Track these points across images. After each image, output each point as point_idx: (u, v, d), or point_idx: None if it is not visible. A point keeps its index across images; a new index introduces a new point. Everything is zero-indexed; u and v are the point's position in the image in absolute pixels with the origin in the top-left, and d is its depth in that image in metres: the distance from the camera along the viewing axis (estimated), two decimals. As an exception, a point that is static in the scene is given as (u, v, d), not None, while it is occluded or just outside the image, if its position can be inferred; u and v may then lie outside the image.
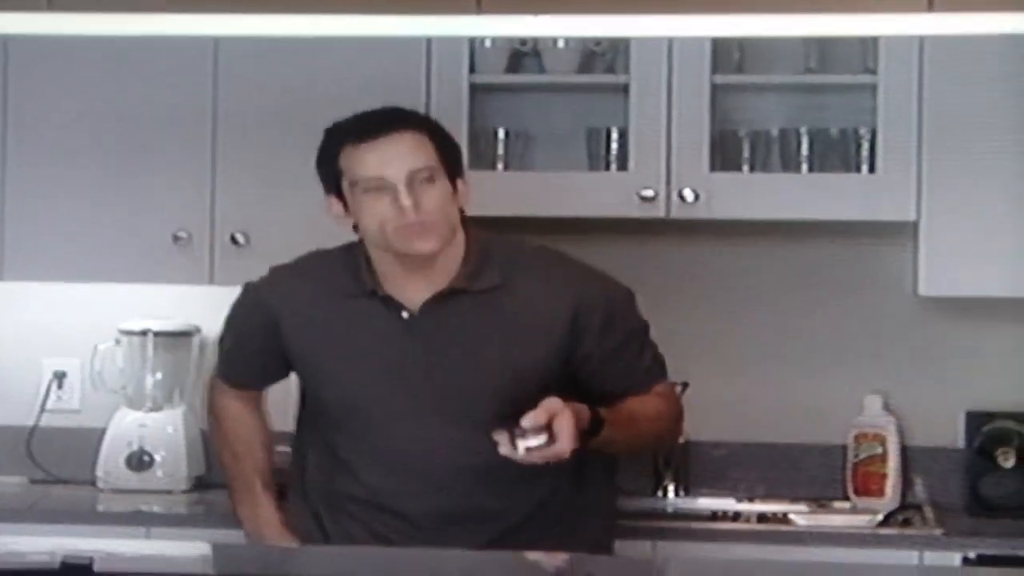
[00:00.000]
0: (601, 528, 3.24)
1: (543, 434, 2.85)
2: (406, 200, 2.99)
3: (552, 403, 2.87)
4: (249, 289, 3.29)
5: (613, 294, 3.17)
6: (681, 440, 3.96)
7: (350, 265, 3.15)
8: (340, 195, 3.10)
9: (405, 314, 3.09)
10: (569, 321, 3.08)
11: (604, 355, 3.11)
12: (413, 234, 3.01)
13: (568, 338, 3.08)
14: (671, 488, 4.04)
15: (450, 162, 3.08)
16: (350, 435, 3.14)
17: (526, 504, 3.10)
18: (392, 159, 3.02)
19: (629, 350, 3.15)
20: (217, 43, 3.93)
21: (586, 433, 2.92)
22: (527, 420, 2.84)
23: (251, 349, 3.29)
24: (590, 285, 3.15)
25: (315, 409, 3.20)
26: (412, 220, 3.00)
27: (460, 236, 3.10)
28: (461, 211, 3.12)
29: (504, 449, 2.86)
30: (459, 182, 3.10)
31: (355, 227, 3.13)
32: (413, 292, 3.09)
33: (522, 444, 2.86)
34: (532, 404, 2.88)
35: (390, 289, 3.10)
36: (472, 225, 3.16)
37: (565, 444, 2.86)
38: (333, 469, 3.17)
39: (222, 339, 3.37)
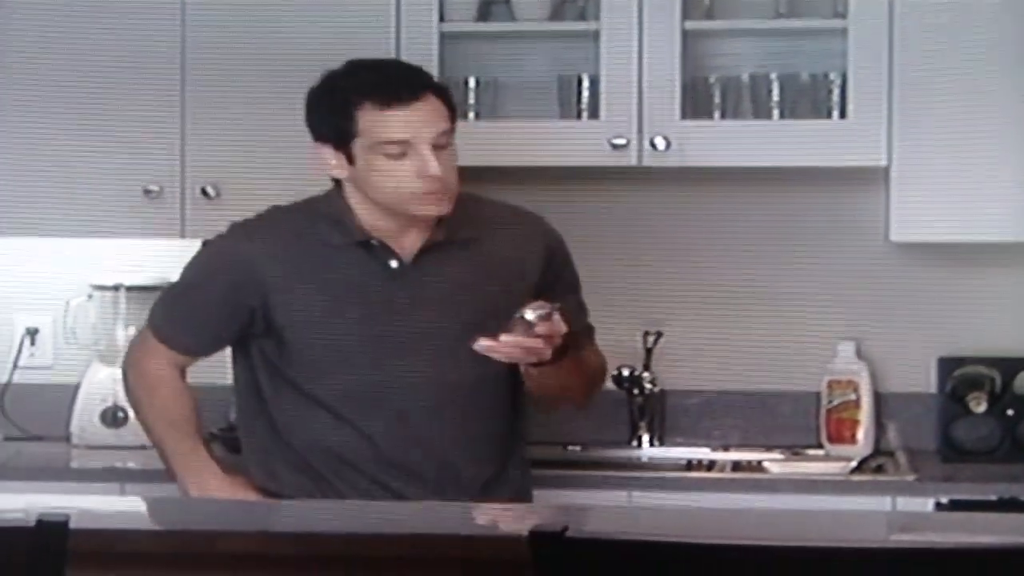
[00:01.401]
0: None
1: (549, 309, 2.95)
2: (434, 166, 3.01)
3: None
4: (221, 247, 3.23)
5: (563, 238, 3.28)
6: (656, 388, 3.98)
7: (327, 218, 3.14)
8: (342, 149, 3.07)
9: (394, 263, 3.11)
10: (543, 260, 3.19)
11: (554, 288, 3.16)
12: (434, 198, 3.05)
13: (541, 277, 3.17)
14: (646, 438, 4.04)
15: (454, 123, 3.11)
16: (344, 386, 3.12)
17: (494, 438, 3.19)
18: (419, 124, 3.02)
19: (577, 295, 3.25)
20: (185, -5, 3.91)
21: (560, 350, 3.00)
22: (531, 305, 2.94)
23: (213, 315, 3.22)
24: (552, 230, 3.27)
25: (299, 364, 3.15)
26: (436, 186, 3.02)
27: None
28: None
29: (483, 343, 2.91)
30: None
31: (335, 180, 3.13)
32: (402, 242, 3.11)
33: (530, 312, 2.92)
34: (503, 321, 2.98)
35: (381, 238, 3.11)
36: None
37: (562, 325, 2.95)
38: (325, 425, 3.14)
39: (168, 301, 3.29)
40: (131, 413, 4.03)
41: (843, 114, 3.90)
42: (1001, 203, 3.83)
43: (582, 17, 4.00)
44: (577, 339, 3.11)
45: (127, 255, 4.17)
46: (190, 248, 4.13)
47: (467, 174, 3.98)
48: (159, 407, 3.30)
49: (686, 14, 3.89)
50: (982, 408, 3.94)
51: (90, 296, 4.14)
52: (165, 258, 4.17)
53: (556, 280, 3.21)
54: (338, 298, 3.11)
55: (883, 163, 3.85)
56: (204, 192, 3.95)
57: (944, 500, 3.61)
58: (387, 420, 3.12)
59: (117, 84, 3.95)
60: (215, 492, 3.22)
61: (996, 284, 4.09)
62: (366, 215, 3.12)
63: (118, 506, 3.13)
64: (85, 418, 4.08)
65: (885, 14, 3.82)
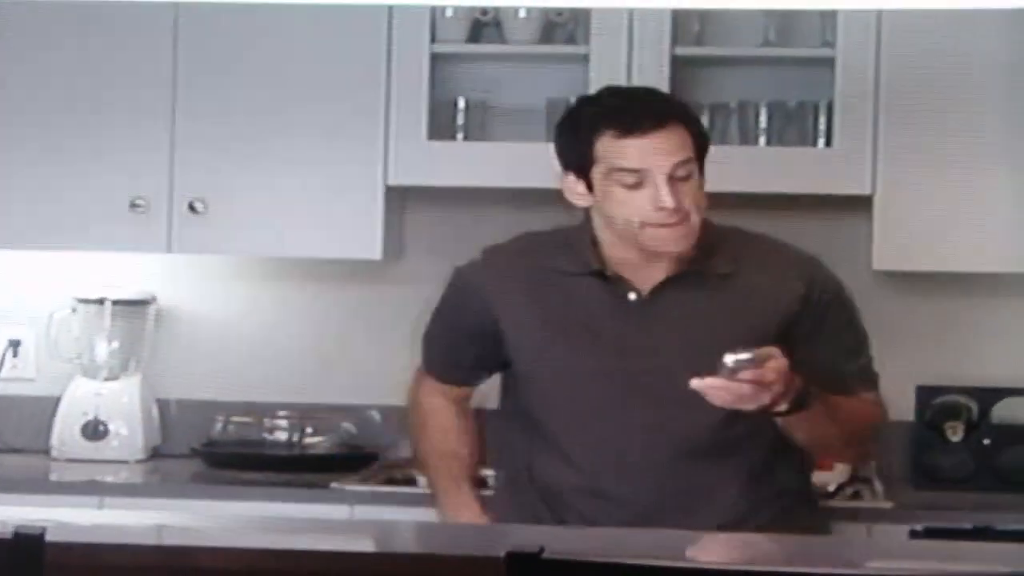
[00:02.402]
0: (807, 510, 3.19)
1: (751, 355, 2.79)
2: (667, 197, 2.92)
3: (771, 348, 2.82)
4: (460, 273, 3.19)
5: (841, 284, 3.14)
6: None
7: (568, 245, 3.08)
8: (583, 176, 3.00)
9: (632, 295, 3.02)
10: (800, 299, 3.04)
11: (822, 331, 3.04)
12: (666, 232, 2.95)
13: (795, 317, 3.02)
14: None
15: (702, 154, 3.02)
16: (564, 421, 3.04)
17: (733, 486, 3.03)
18: (657, 154, 2.94)
19: (844, 339, 3.09)
20: (177, 10, 3.89)
21: (795, 400, 2.86)
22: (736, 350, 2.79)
23: (458, 341, 3.18)
24: (822, 268, 3.12)
25: (527, 392, 3.09)
26: (669, 219, 2.94)
27: None
28: None
29: (696, 382, 2.76)
30: (703, 172, 3.03)
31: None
32: (644, 275, 3.02)
33: (730, 357, 2.77)
34: None
35: (619, 270, 3.02)
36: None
37: (771, 374, 2.78)
38: (545, 459, 3.06)
39: (428, 327, 3.24)
40: (112, 427, 4.06)
41: (829, 142, 3.91)
42: (984, 234, 3.84)
43: (572, 41, 4.00)
44: (825, 397, 2.95)
45: (112, 269, 4.16)
46: (176, 263, 4.15)
47: (456, 194, 4.01)
48: (429, 436, 3.26)
49: (676, 40, 3.89)
50: (958, 437, 3.95)
51: (74, 309, 4.12)
52: (151, 272, 4.19)
53: (817, 327, 3.05)
54: (564, 328, 3.03)
55: (868, 192, 3.86)
56: (191, 207, 3.94)
57: (919, 528, 3.60)
58: (606, 460, 3.01)
59: (105, 97, 3.95)
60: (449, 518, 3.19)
61: (977, 314, 4.09)
62: (609, 245, 3.03)
63: (96, 520, 3.12)
64: (66, 431, 4.06)
65: (872, 44, 3.82)
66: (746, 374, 2.77)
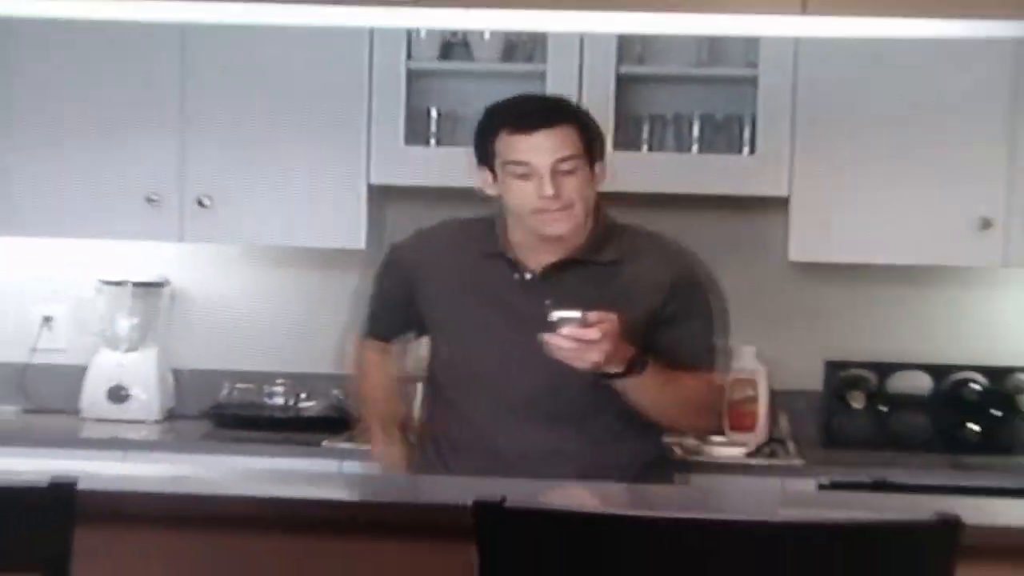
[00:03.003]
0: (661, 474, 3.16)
1: (577, 314, 2.76)
2: (548, 188, 2.93)
3: (604, 313, 2.79)
4: (391, 248, 3.23)
5: (708, 276, 3.10)
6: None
7: (481, 229, 3.09)
8: (491, 169, 3.02)
9: (528, 275, 3.03)
10: (668, 287, 3.01)
11: (675, 316, 3.02)
12: (550, 218, 2.96)
13: (663, 302, 3.01)
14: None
15: (593, 150, 3.01)
16: (461, 378, 3.06)
17: (587, 448, 3.02)
18: (540, 150, 2.95)
19: (695, 323, 3.04)
20: (184, 29, 3.88)
21: (629, 364, 2.85)
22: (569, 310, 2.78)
23: (388, 303, 3.20)
24: (692, 261, 3.09)
25: (436, 357, 3.12)
26: (551, 206, 2.95)
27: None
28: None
29: (542, 335, 2.77)
30: (598, 166, 3.02)
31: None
32: (537, 257, 3.03)
33: (556, 313, 2.75)
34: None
35: (518, 252, 3.04)
36: (603, 204, 3.07)
37: (592, 332, 2.76)
38: (446, 411, 3.09)
39: (369, 298, 3.25)
40: (133, 391, 4.06)
41: (752, 150, 3.92)
42: (883, 231, 3.85)
43: (530, 59, 4.00)
44: (662, 369, 2.92)
45: (131, 255, 4.15)
46: (186, 250, 4.15)
47: (430, 193, 4.02)
48: (367, 383, 3.28)
49: (620, 60, 3.90)
50: (860, 404, 3.98)
51: (99, 290, 4.12)
52: (164, 258, 4.18)
53: (679, 310, 3.01)
54: (470, 301, 3.05)
55: (785, 193, 3.87)
56: (199, 202, 3.94)
57: (826, 481, 3.63)
58: (494, 420, 3.02)
59: (123, 107, 3.94)
60: (375, 456, 3.21)
61: (876, 299, 4.11)
62: (510, 230, 3.05)
63: (120, 471, 3.12)
64: (93, 395, 4.06)
65: (790, 65, 3.84)
66: (567, 330, 2.77)
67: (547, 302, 2.82)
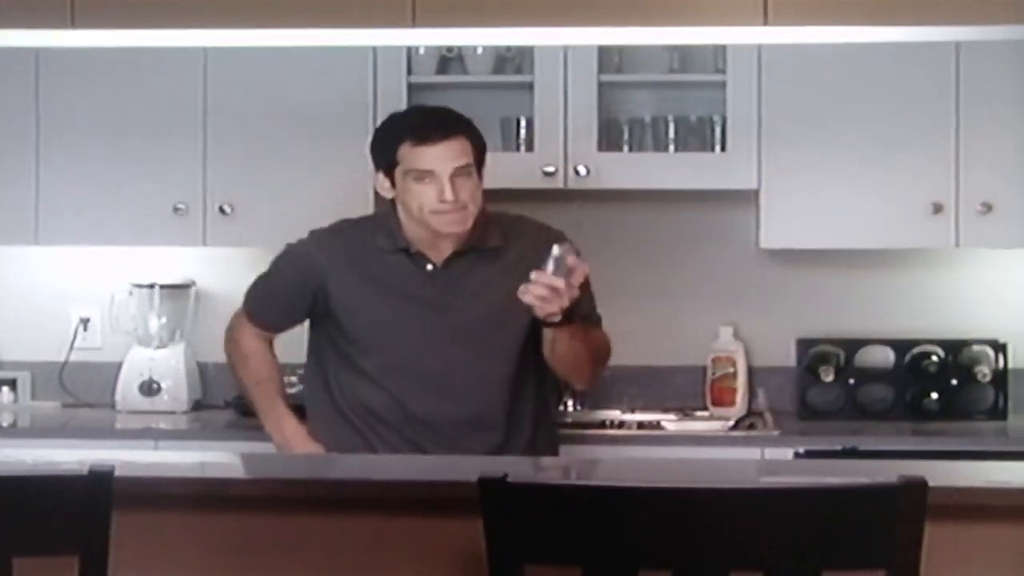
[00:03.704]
0: (550, 438, 3.25)
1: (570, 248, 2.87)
2: (448, 192, 2.99)
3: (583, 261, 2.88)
4: (296, 248, 3.22)
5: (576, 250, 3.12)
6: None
7: (380, 228, 3.14)
8: (389, 175, 3.07)
9: (430, 266, 3.10)
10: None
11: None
12: (448, 219, 3.02)
13: None
14: (571, 403, 4.03)
15: (481, 158, 3.09)
16: (384, 361, 3.10)
17: (494, 415, 3.10)
18: (441, 159, 3.00)
19: (584, 292, 3.08)
20: (206, 53, 3.87)
21: (566, 314, 2.89)
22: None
23: (286, 299, 3.22)
24: (559, 234, 3.12)
25: (347, 340, 3.13)
26: (449, 208, 3.01)
27: None
28: None
29: (523, 287, 2.83)
30: (483, 171, 3.10)
31: (391, 200, 3.12)
32: (436, 251, 3.09)
33: (556, 249, 2.83)
34: (520, 331, 3.03)
35: (419, 247, 3.10)
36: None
37: (586, 269, 2.87)
38: (368, 390, 3.12)
39: (256, 287, 3.27)
40: (163, 385, 4.04)
41: (723, 148, 3.90)
42: (847, 218, 3.85)
43: (519, 71, 3.98)
44: (586, 316, 3.05)
45: (160, 260, 4.13)
46: (210, 254, 4.13)
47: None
48: (250, 370, 3.29)
49: (601, 69, 3.88)
50: (830, 378, 3.96)
51: (130, 292, 4.10)
52: (190, 262, 4.17)
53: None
54: (382, 292, 3.10)
55: (755, 186, 3.86)
56: (222, 209, 3.92)
57: (801, 450, 3.63)
58: (416, 388, 3.09)
59: (152, 123, 3.92)
60: (289, 436, 3.21)
61: (842, 281, 4.10)
62: (408, 228, 3.10)
63: (152, 459, 3.11)
64: (126, 389, 4.04)
65: (755, 70, 3.83)
66: (570, 259, 2.84)
67: (554, 247, 2.85)
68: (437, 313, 3.08)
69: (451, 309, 3.09)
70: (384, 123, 3.17)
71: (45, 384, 4.15)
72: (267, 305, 3.26)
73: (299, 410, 3.29)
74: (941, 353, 3.95)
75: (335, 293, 3.12)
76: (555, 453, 3.24)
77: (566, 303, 2.86)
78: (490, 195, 3.89)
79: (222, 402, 4.05)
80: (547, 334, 3.00)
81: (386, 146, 3.08)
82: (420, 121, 3.08)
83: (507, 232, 3.13)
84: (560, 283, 2.83)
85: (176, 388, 4.04)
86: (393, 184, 3.07)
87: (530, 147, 3.92)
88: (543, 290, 2.83)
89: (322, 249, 3.17)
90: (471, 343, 3.07)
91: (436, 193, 3.00)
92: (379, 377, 3.11)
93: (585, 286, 3.00)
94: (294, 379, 3.54)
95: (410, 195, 3.04)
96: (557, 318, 2.90)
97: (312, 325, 3.24)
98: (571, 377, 3.22)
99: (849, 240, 3.87)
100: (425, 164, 3.01)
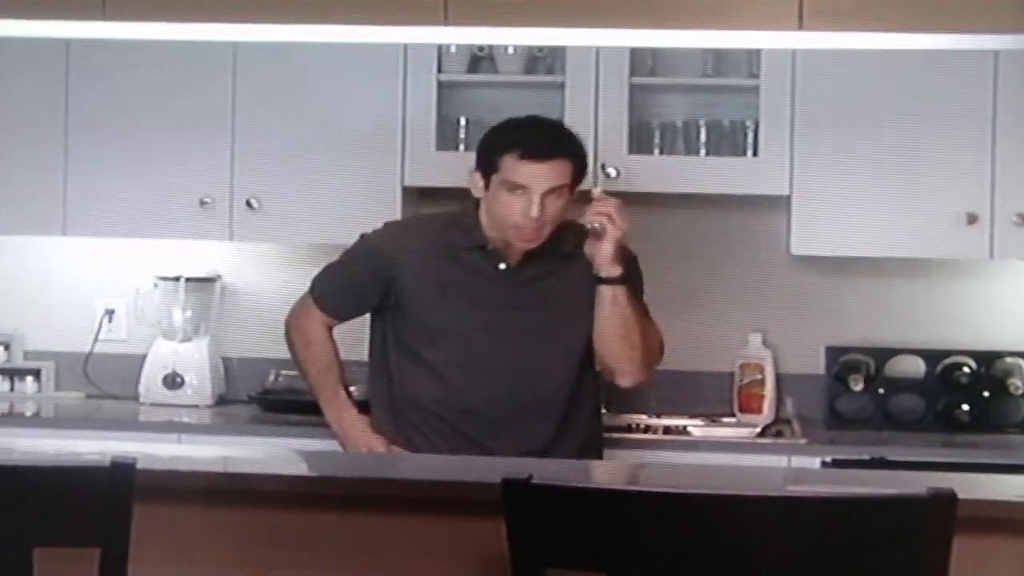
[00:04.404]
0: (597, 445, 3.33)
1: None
2: (535, 210, 3.06)
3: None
4: (370, 239, 3.28)
5: (632, 253, 3.25)
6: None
7: (457, 224, 3.20)
8: (486, 177, 3.13)
9: (502, 265, 3.16)
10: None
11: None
12: (525, 233, 3.11)
13: None
14: (601, 407, 4.01)
15: (578, 181, 3.15)
16: (447, 355, 3.16)
17: (550, 416, 3.17)
18: (539, 178, 3.07)
19: (636, 288, 3.22)
20: (236, 47, 3.88)
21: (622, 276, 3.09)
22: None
23: (357, 289, 3.27)
24: (623, 248, 3.18)
25: (413, 333, 3.19)
26: (531, 224, 3.07)
27: None
28: None
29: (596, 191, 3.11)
30: (576, 190, 3.15)
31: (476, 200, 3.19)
32: (510, 251, 3.16)
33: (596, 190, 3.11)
34: (582, 338, 3.14)
35: (495, 245, 3.16)
36: None
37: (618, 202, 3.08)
38: (427, 382, 3.17)
39: (326, 275, 3.32)
40: (187, 378, 4.05)
41: (755, 153, 3.89)
42: (878, 226, 3.83)
43: (551, 72, 3.98)
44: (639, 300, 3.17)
45: (186, 253, 4.15)
46: (236, 248, 4.14)
47: (459, 194, 4.00)
48: (313, 357, 3.34)
49: (633, 71, 3.88)
50: (859, 387, 3.94)
51: (156, 285, 4.11)
52: (216, 255, 4.18)
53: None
54: (453, 287, 3.16)
55: (786, 192, 3.85)
56: (248, 204, 3.93)
57: (828, 459, 3.62)
58: (474, 382, 3.15)
59: (180, 120, 3.93)
60: (348, 425, 3.26)
61: (874, 289, 4.08)
62: (487, 227, 3.17)
63: (175, 452, 3.12)
64: (150, 381, 4.05)
65: (789, 75, 3.82)
66: (598, 191, 3.11)
67: (594, 188, 3.14)
68: (504, 311, 3.15)
69: (518, 309, 3.16)
70: (498, 127, 3.23)
71: (69, 375, 4.17)
72: (337, 294, 3.30)
73: (364, 406, 3.32)
74: (973, 364, 3.93)
75: (406, 285, 3.18)
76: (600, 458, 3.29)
77: (626, 227, 3.04)
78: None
79: (245, 397, 4.06)
80: (603, 295, 3.08)
81: (492, 151, 3.13)
82: (531, 137, 3.13)
83: (581, 240, 3.17)
84: (614, 201, 3.00)
85: (200, 382, 4.05)
86: (487, 186, 3.13)
87: (560, 148, 3.92)
88: (607, 207, 3.00)
89: (396, 241, 3.23)
90: (533, 343, 3.15)
91: (524, 208, 3.07)
92: (441, 369, 3.16)
93: (637, 275, 3.17)
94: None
95: (499, 203, 3.11)
96: (618, 271, 3.04)
97: (374, 317, 3.29)
98: (621, 360, 3.19)
99: (881, 248, 3.86)
100: (522, 179, 3.07)
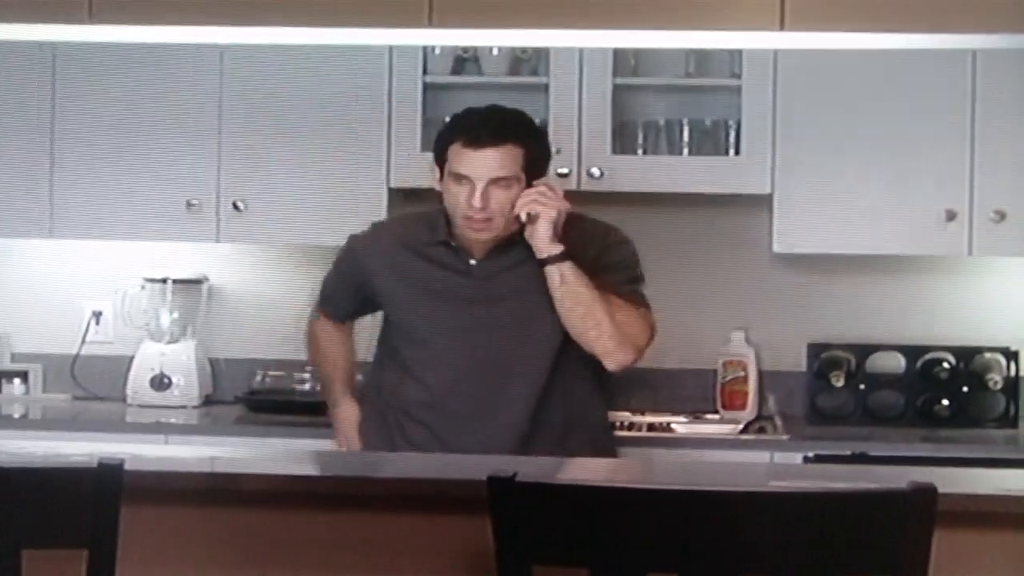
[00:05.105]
0: (599, 438, 3.23)
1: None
2: (476, 200, 2.99)
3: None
4: (349, 241, 3.27)
5: (620, 239, 3.19)
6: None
7: (428, 221, 3.16)
8: (440, 168, 3.08)
9: (472, 260, 3.11)
10: (590, 262, 3.08)
11: (596, 267, 3.09)
12: (474, 224, 3.03)
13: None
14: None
15: (533, 168, 3.05)
16: (422, 351, 3.12)
17: (523, 408, 3.09)
18: (480, 166, 3.00)
19: (612, 268, 3.12)
20: (222, 50, 3.88)
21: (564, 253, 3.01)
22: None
23: (342, 290, 3.27)
24: (609, 240, 3.15)
25: (395, 333, 3.18)
26: (477, 215, 3.01)
27: None
28: None
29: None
30: (538, 181, 3.05)
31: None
32: (477, 245, 3.09)
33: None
34: (557, 329, 3.04)
35: (460, 241, 3.11)
36: None
37: (552, 184, 3.06)
38: (405, 380, 3.15)
39: (325, 277, 3.33)
40: (174, 379, 4.04)
41: (737, 152, 3.90)
42: (860, 224, 3.84)
43: (535, 73, 3.98)
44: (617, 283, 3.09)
45: (173, 255, 4.14)
46: (223, 250, 4.14)
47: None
48: (316, 354, 3.37)
49: (616, 72, 3.88)
50: (840, 383, 3.95)
51: (143, 287, 4.10)
52: (203, 257, 4.17)
53: (598, 262, 3.10)
54: (422, 283, 3.12)
55: (768, 191, 3.86)
56: (235, 206, 3.93)
57: (810, 454, 3.62)
58: (449, 379, 3.09)
59: (168, 120, 3.92)
60: (338, 422, 3.28)
61: (854, 287, 4.09)
62: (453, 223, 3.11)
63: (162, 452, 3.11)
64: (137, 383, 4.05)
65: (770, 75, 3.82)
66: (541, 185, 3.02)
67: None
68: (473, 306, 3.09)
69: (488, 303, 3.09)
70: (452, 117, 3.18)
71: (56, 377, 4.16)
72: (329, 296, 3.32)
73: None
74: (952, 360, 3.94)
75: (379, 285, 3.17)
76: (597, 455, 3.17)
77: (563, 205, 2.98)
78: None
79: (232, 397, 4.06)
80: (551, 277, 3.00)
81: (441, 141, 3.09)
82: (474, 124, 3.06)
83: (592, 234, 3.12)
84: (553, 184, 2.95)
85: (187, 383, 4.05)
86: (441, 178, 3.08)
87: (544, 148, 3.92)
88: (532, 193, 2.95)
89: (368, 241, 3.22)
90: (506, 338, 3.08)
91: (467, 198, 3.00)
92: (416, 368, 3.12)
93: (620, 263, 3.10)
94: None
95: (448, 194, 3.06)
96: (558, 249, 2.98)
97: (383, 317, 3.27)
98: (588, 339, 3.07)
99: (862, 246, 3.87)
100: (463, 168, 3.01)
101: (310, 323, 3.39)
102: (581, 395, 3.16)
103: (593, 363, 3.11)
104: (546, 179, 3.06)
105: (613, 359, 3.10)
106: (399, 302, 3.15)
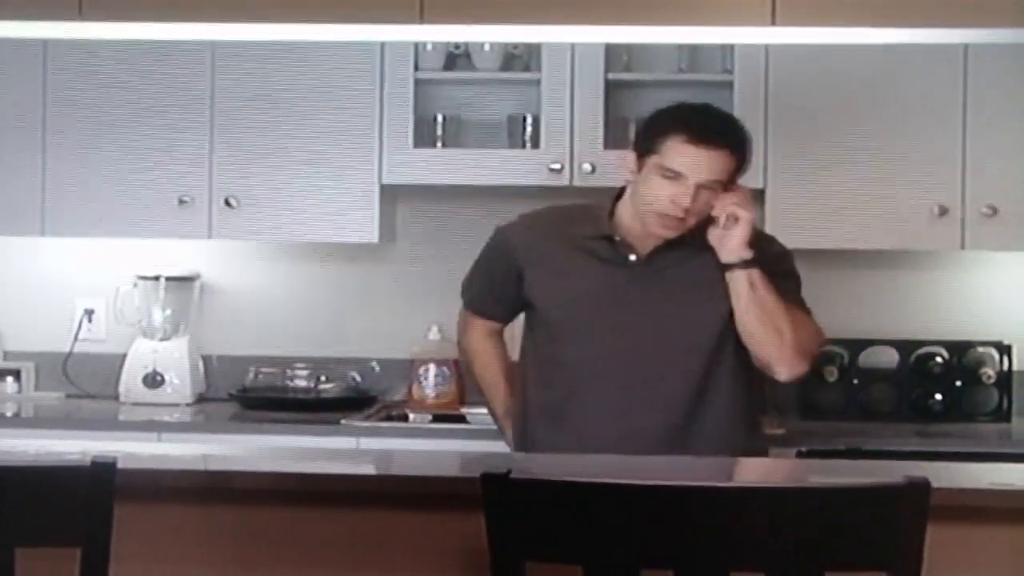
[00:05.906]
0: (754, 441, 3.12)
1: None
2: (687, 200, 2.88)
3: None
4: (498, 232, 3.13)
5: (783, 248, 3.14)
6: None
7: (586, 215, 3.05)
8: (640, 159, 2.95)
9: (632, 257, 2.99)
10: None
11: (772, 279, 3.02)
12: (667, 222, 2.92)
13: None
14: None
15: (733, 178, 2.95)
16: (574, 347, 2.98)
17: (686, 400, 2.97)
18: (699, 167, 2.88)
19: (779, 278, 3.02)
20: (214, 47, 3.87)
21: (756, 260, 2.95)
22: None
23: (495, 284, 3.12)
24: (771, 249, 3.07)
25: (544, 332, 3.03)
26: (677, 213, 2.90)
27: None
28: None
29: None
30: (728, 186, 2.95)
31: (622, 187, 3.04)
32: (643, 243, 2.99)
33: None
34: (712, 332, 2.94)
35: (625, 236, 3.00)
36: None
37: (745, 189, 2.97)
38: (553, 380, 3.01)
39: (469, 277, 3.19)
40: (167, 377, 4.04)
41: (730, 147, 3.90)
42: (853, 219, 3.83)
43: (527, 68, 3.98)
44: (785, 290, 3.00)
45: (165, 252, 4.13)
46: (216, 246, 4.13)
47: (437, 191, 4.01)
48: (476, 372, 3.22)
49: (609, 67, 3.88)
50: (834, 378, 3.95)
51: (135, 284, 4.09)
52: (195, 254, 4.17)
53: (770, 277, 2.99)
54: (577, 280, 2.99)
55: (761, 186, 3.84)
56: (227, 202, 3.92)
57: (804, 449, 3.62)
58: (594, 378, 2.96)
59: (160, 117, 3.91)
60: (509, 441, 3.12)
61: (847, 282, 4.09)
62: (623, 216, 3.00)
63: (155, 450, 3.11)
64: (130, 381, 4.04)
65: (762, 71, 3.82)
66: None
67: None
68: (630, 305, 2.96)
69: (645, 302, 2.97)
70: (667, 108, 3.01)
71: (49, 375, 4.15)
72: (480, 293, 3.17)
73: None
74: (945, 355, 3.94)
75: (531, 275, 3.03)
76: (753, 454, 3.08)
77: (753, 213, 2.93)
78: (496, 192, 3.92)
79: (225, 395, 4.05)
80: (739, 281, 2.92)
81: (655, 131, 2.94)
82: (699, 122, 2.93)
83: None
84: (745, 190, 2.89)
85: (180, 380, 4.04)
86: (640, 168, 2.94)
87: (536, 144, 3.91)
88: (739, 195, 2.90)
89: (520, 232, 3.08)
90: (660, 337, 2.95)
91: (674, 195, 2.88)
92: (569, 367, 2.98)
93: (789, 272, 3.03)
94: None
95: (647, 186, 2.92)
96: (750, 254, 2.90)
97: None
98: (769, 347, 2.97)
99: (854, 241, 3.86)
100: (679, 165, 2.88)
101: (461, 339, 3.24)
102: (731, 400, 3.01)
103: (747, 368, 3.01)
104: (741, 185, 2.96)
105: (788, 367, 3.01)
106: (549, 293, 3.01)
